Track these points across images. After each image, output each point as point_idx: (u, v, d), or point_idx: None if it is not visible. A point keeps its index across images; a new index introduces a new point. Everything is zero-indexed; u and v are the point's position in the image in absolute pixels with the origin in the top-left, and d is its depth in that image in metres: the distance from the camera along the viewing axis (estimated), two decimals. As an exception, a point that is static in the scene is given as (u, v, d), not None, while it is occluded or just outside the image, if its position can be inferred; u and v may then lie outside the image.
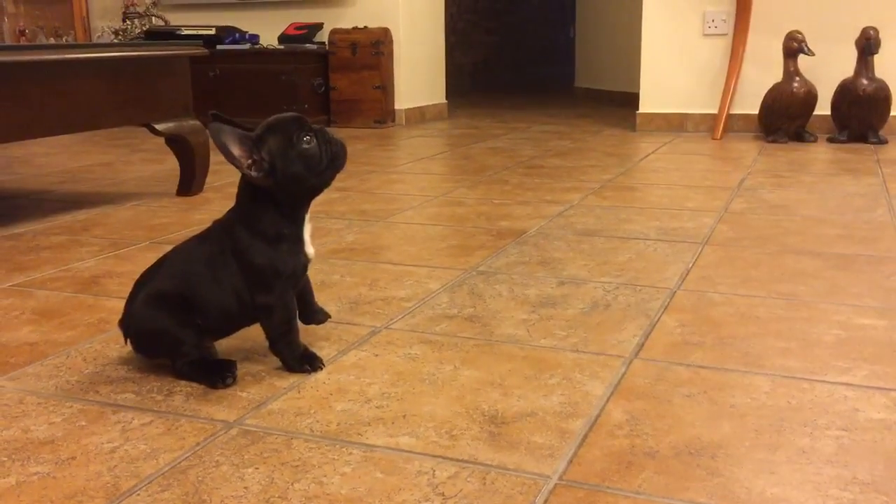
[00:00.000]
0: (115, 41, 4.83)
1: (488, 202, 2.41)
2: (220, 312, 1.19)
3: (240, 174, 1.15)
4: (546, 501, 0.87)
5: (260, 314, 1.19)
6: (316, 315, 1.31)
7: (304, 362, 1.20)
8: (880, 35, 3.40)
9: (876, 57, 3.41)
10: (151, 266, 1.24)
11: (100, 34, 5.03)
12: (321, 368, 1.21)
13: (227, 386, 1.15)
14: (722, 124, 3.80)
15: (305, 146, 1.13)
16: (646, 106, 4.09)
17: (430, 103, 4.81)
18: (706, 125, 3.96)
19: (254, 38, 4.58)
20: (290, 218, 1.17)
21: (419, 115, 4.66)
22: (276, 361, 1.23)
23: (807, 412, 1.06)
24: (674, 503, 0.86)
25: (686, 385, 1.15)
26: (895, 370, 1.19)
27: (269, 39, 4.60)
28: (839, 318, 1.41)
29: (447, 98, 5.04)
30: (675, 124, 4.05)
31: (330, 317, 1.34)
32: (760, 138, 3.69)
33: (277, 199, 1.16)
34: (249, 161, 1.12)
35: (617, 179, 2.77)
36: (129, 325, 1.21)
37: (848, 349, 1.27)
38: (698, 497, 0.87)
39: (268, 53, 4.41)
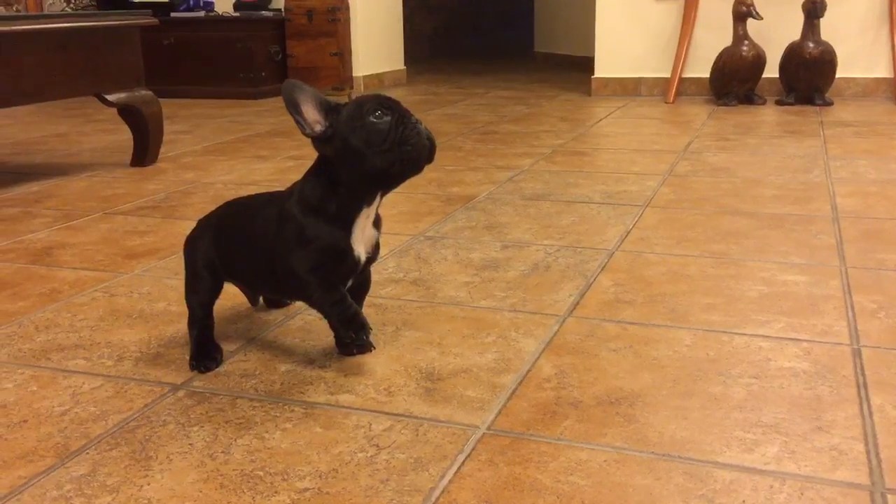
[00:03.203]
0: (67, 10, 4.76)
1: (441, 169, 2.46)
2: (249, 267, 1.16)
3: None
4: (473, 449, 0.93)
5: (297, 289, 1.11)
6: None
7: (349, 327, 1.08)
8: (826, -1, 3.47)
9: (822, 20, 3.49)
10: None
11: (51, 2, 4.94)
12: (366, 336, 1.09)
13: (201, 372, 1.15)
14: (674, 88, 3.86)
15: (373, 119, 1.03)
16: (601, 70, 4.14)
17: (389, 70, 4.81)
18: (660, 89, 4.02)
19: (208, 6, 4.54)
20: (345, 200, 1.08)
21: (378, 82, 4.67)
22: (224, 328, 1.28)
23: (723, 363, 1.14)
24: (591, 447, 0.93)
25: (614, 340, 1.22)
26: (810, 322, 1.26)
27: (224, 6, 4.57)
28: (764, 274, 1.48)
29: (406, 64, 5.05)
30: (629, 88, 4.11)
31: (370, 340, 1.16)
32: (711, 101, 3.77)
33: (340, 179, 1.07)
34: (320, 127, 1.05)
35: (568, 144, 2.82)
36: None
37: (769, 304, 1.34)
38: (614, 441, 0.94)
39: (223, 21, 4.38)
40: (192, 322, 1.19)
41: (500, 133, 3.09)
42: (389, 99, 1.06)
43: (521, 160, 2.56)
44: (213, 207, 1.27)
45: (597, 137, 2.97)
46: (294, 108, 1.04)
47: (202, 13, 4.44)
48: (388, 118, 1.04)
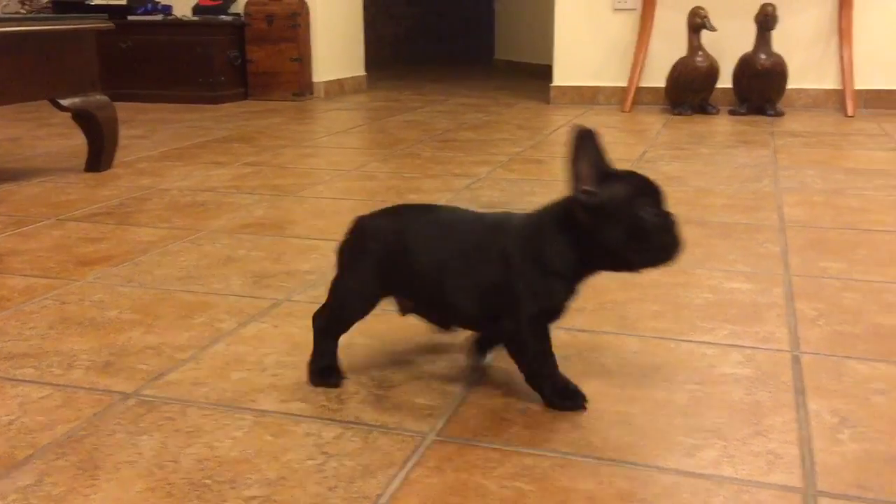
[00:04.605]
0: (21, 12, 4.69)
1: (399, 176, 2.47)
2: (431, 296, 1.08)
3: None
4: (422, 456, 0.95)
5: (507, 342, 1.07)
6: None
7: (565, 398, 1.06)
8: (777, 11, 3.55)
9: (773, 32, 3.58)
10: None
11: (5, 3, 4.86)
12: (583, 407, 1.05)
13: (329, 387, 1.12)
14: (631, 97, 3.92)
15: (643, 216, 0.98)
16: (559, 79, 4.19)
17: (349, 76, 4.81)
18: (617, 98, 4.08)
19: (167, 9, 4.50)
20: (581, 266, 1.03)
21: (338, 88, 4.67)
22: (175, 336, 1.28)
23: (668, 369, 1.16)
24: (537, 453, 0.95)
25: (563, 347, 1.24)
26: (753, 329, 1.30)
27: (182, 10, 4.53)
28: (711, 282, 1.52)
29: (368, 70, 5.05)
30: (587, 97, 4.16)
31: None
32: (667, 111, 3.84)
33: (581, 243, 1.01)
34: (586, 188, 0.99)
35: (525, 152, 2.86)
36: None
37: (714, 311, 1.38)
38: (560, 447, 0.96)
39: (182, 25, 4.34)
40: (330, 334, 1.13)
41: (458, 140, 3.11)
42: (660, 193, 1.01)
43: (478, 168, 2.58)
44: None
45: (554, 145, 3.00)
46: (576, 157, 0.98)
47: (160, 17, 4.40)
48: (656, 220, 0.99)
